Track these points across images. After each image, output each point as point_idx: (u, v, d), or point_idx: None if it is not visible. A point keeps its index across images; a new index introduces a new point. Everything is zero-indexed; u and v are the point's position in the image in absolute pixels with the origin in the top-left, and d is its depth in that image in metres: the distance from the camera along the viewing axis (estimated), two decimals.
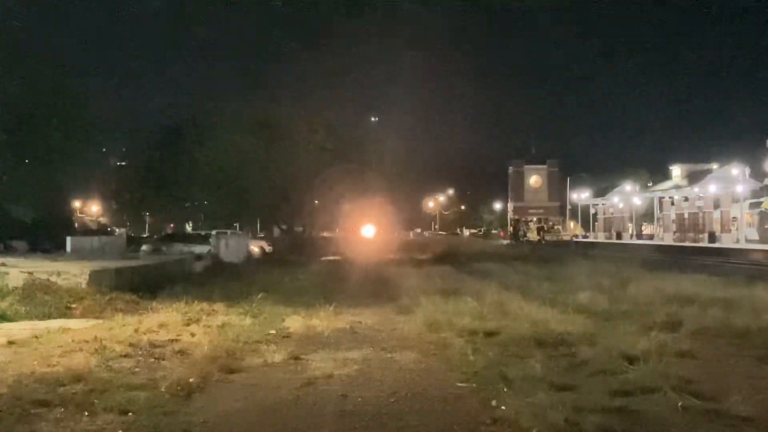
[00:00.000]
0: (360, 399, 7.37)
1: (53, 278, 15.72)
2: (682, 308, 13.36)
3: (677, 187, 64.27)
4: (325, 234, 58.03)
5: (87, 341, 9.75)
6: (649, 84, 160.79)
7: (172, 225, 62.47)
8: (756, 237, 47.14)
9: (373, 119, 51.89)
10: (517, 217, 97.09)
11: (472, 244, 60.71)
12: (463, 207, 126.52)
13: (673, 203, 64.22)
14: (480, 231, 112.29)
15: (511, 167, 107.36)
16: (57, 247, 27.84)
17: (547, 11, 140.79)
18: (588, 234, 78.63)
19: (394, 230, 68.39)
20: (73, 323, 12.29)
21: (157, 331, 10.98)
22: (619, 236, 67.60)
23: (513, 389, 7.37)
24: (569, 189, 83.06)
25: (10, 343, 10.00)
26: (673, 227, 63.59)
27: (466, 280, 21.36)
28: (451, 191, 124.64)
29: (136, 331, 10.90)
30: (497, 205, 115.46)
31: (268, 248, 40.19)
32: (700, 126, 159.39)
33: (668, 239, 59.97)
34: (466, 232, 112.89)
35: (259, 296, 15.09)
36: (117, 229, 61.54)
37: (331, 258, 37.40)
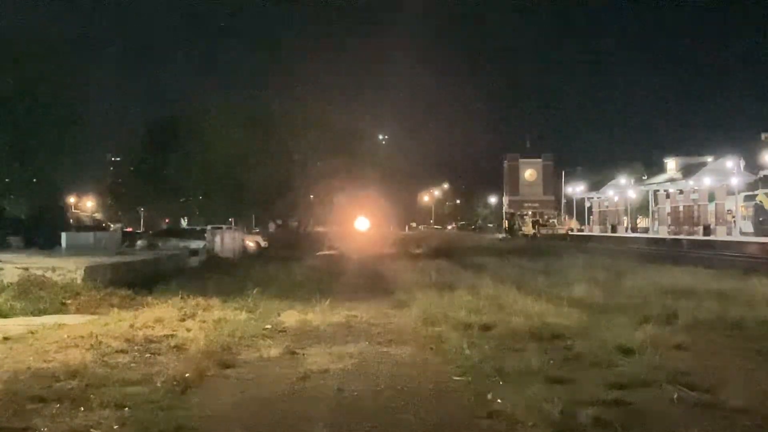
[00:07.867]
0: (356, 393, 7.37)
1: (48, 274, 15.69)
2: (677, 301, 13.40)
3: (672, 180, 64.12)
4: (320, 228, 57.96)
5: (82, 337, 9.75)
6: (644, 78, 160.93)
7: (167, 220, 62.27)
8: (751, 229, 47.16)
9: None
10: (512, 210, 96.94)
11: (465, 239, 60.64)
12: (458, 201, 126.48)
13: (668, 196, 64.23)
14: (456, 223, 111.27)
15: (506, 161, 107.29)
16: (52, 243, 27.68)
17: (544, 4, 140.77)
18: (583, 227, 78.57)
19: (389, 225, 68.35)
20: (68, 319, 12.30)
21: (152, 326, 10.97)
22: (614, 229, 67.50)
23: (508, 383, 7.37)
24: (564, 182, 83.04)
25: (6, 338, 10.00)
26: (668, 220, 63.59)
27: (461, 274, 21.36)
28: (446, 185, 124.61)
29: (131, 326, 10.89)
30: (492, 199, 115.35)
31: (263, 243, 40.14)
32: (694, 119, 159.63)
33: (663, 232, 59.96)
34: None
35: (255, 291, 15.05)
36: (112, 225, 61.47)
37: (327, 252, 37.38)
